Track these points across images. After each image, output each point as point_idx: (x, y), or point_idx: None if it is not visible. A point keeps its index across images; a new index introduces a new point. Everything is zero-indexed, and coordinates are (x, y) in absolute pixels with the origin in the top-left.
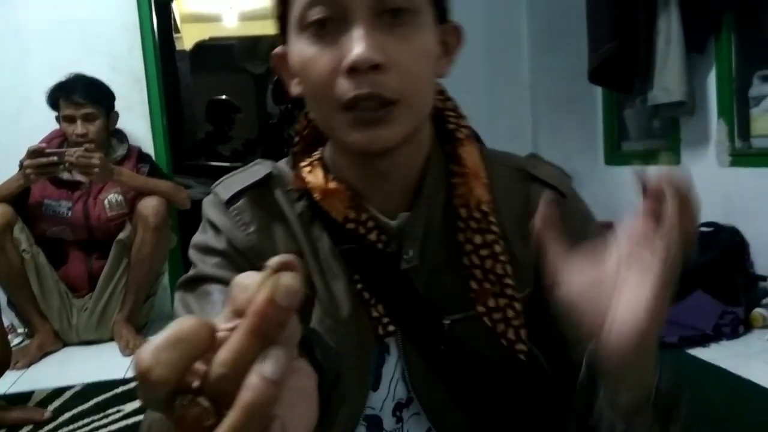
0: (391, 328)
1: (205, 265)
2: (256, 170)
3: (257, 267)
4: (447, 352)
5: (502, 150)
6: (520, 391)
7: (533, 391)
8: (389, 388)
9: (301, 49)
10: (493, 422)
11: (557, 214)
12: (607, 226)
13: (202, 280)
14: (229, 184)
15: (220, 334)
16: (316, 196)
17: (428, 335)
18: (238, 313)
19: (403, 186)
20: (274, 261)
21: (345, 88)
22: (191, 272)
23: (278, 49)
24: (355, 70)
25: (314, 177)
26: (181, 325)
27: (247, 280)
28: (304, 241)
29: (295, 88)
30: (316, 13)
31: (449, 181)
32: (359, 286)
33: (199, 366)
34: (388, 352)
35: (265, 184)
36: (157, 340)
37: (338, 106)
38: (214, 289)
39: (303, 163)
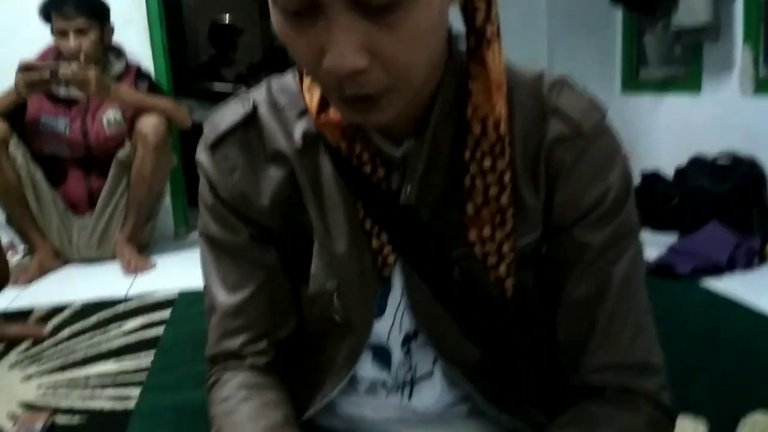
0: (391, 259)
1: (209, 226)
2: (238, 107)
3: (243, 215)
4: (454, 283)
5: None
6: (528, 325)
7: (537, 328)
8: (395, 317)
9: (278, 20)
10: (501, 355)
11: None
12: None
13: (212, 240)
14: (216, 124)
15: None
16: (313, 119)
17: (435, 267)
18: None
19: (408, 117)
20: None
21: (330, 83)
22: (203, 227)
23: None
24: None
25: (311, 98)
26: None
27: None
28: (301, 172)
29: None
30: (286, 2)
31: (466, 87)
32: (361, 215)
33: None
34: (392, 284)
35: (252, 120)
36: None
37: (326, 86)
38: (223, 254)
39: (306, 78)
